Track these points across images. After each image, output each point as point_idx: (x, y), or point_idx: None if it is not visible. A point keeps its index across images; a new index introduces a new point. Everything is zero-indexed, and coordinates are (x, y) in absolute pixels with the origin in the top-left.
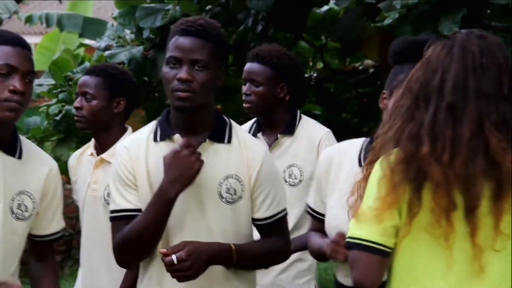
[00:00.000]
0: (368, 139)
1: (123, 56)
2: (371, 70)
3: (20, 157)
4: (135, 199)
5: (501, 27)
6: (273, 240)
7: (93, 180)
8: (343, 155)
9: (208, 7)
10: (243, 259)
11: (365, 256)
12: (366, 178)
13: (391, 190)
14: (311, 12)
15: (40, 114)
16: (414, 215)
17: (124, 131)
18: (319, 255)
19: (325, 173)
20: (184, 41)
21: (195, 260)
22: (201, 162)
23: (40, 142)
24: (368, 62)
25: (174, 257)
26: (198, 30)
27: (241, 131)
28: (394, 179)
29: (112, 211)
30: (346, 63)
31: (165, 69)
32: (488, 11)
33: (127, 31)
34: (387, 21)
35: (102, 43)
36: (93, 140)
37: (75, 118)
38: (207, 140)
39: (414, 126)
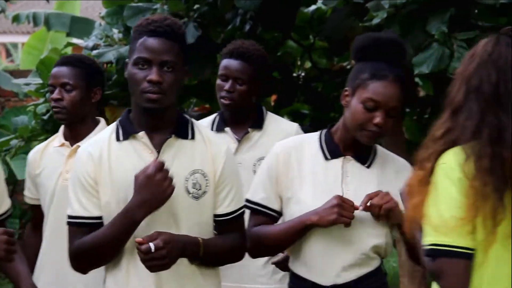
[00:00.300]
0: (325, 130)
1: (111, 55)
2: None
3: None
4: (94, 207)
5: (488, 27)
6: (233, 236)
7: (66, 169)
8: (301, 150)
9: (196, 6)
10: (208, 253)
11: (456, 264)
12: (424, 180)
13: (476, 198)
14: (299, 11)
15: (28, 114)
16: (498, 223)
17: (97, 122)
18: (297, 233)
19: (285, 167)
20: (153, 42)
21: (171, 249)
22: (173, 187)
23: (27, 142)
24: None
25: (151, 244)
26: (166, 30)
27: (203, 128)
28: (478, 187)
29: (70, 216)
30: (334, 63)
31: (133, 70)
32: (476, 11)
33: (115, 31)
34: (375, 21)
35: (90, 43)
36: (61, 131)
37: (55, 110)
38: (172, 136)
39: (493, 130)
